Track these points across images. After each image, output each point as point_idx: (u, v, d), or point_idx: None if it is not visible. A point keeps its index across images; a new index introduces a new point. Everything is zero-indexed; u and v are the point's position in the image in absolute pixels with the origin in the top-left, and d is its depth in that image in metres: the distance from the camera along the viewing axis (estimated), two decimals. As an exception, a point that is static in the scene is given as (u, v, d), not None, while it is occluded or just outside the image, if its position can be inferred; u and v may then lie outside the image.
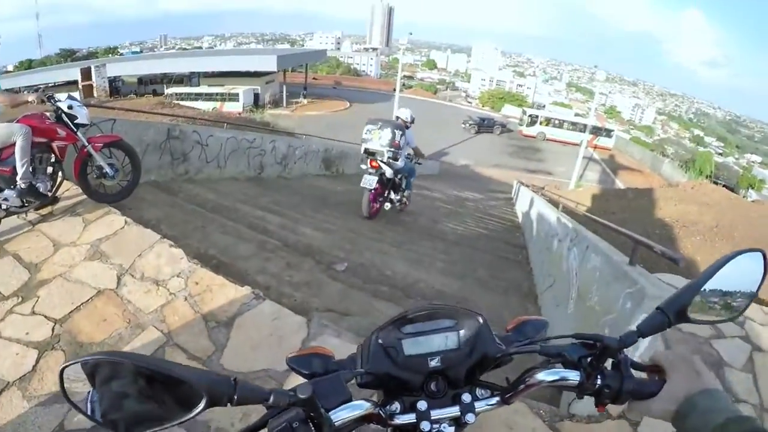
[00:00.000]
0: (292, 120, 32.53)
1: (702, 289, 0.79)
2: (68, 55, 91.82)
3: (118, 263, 3.72)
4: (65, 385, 0.65)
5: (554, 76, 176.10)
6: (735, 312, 0.84)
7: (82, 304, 3.32)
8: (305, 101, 43.34)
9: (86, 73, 24.46)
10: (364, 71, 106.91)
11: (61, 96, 4.28)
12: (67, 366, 0.63)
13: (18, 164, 3.79)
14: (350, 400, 0.78)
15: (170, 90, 37.14)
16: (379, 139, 7.28)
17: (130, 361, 0.62)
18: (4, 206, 3.88)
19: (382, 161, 7.30)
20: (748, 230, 12.98)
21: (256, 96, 39.25)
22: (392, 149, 7.24)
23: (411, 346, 0.86)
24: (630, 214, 13.77)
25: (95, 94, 22.24)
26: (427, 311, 0.88)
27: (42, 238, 3.99)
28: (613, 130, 48.78)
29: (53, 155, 4.16)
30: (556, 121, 45.49)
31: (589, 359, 0.82)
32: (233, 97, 37.05)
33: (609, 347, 0.79)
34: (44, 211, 4.31)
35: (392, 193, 7.99)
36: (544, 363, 0.87)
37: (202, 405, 0.62)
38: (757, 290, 0.83)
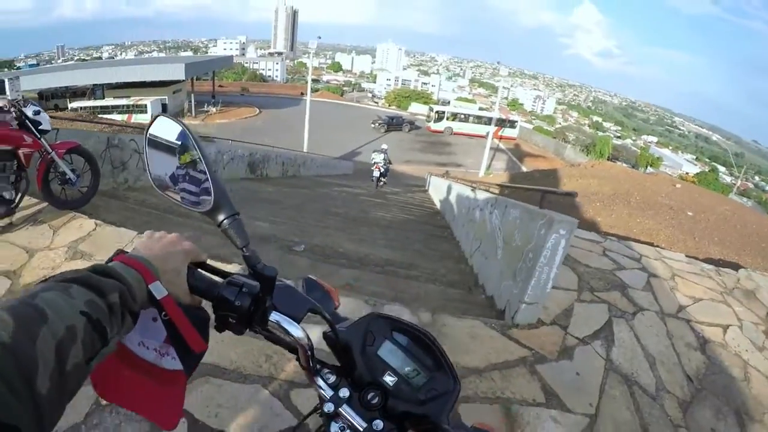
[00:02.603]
0: (205, 129, 32.04)
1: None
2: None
3: (104, 259, 3.87)
4: None
5: (457, 73, 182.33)
6: None
7: (81, 296, 3.47)
8: (214, 110, 42.56)
9: (-1, 88, 22.55)
10: (270, 76, 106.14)
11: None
12: None
13: None
14: (298, 322, 0.81)
15: (74, 104, 35.25)
16: (380, 157, 17.43)
17: None
18: None
19: (381, 166, 17.39)
20: (642, 196, 14.93)
21: (164, 106, 37.69)
22: (384, 161, 17.52)
23: (387, 351, 0.84)
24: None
25: (12, 109, 20.72)
26: (427, 339, 0.86)
27: (10, 247, 3.90)
28: (516, 121, 51.32)
29: (17, 162, 4.07)
30: (462, 116, 47.26)
31: None
32: (141, 109, 35.55)
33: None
34: (2, 222, 4.16)
35: (383, 178, 17.82)
36: None
37: (208, 208, 0.84)
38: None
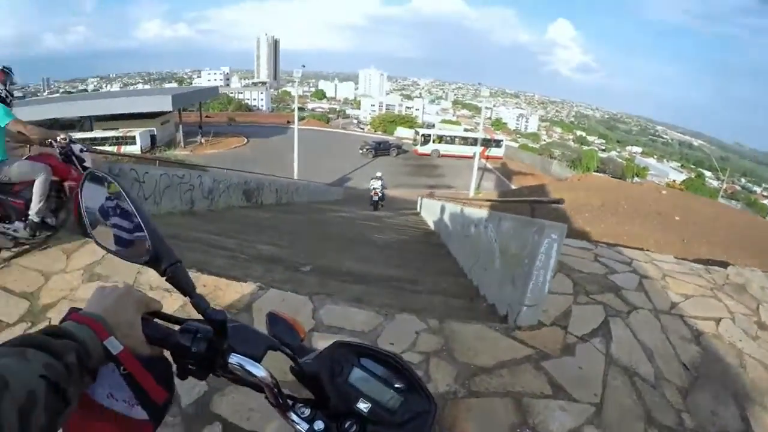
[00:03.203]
0: (195, 159, 32.14)
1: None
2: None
3: (120, 281, 3.82)
4: None
5: (440, 95, 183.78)
6: None
7: (100, 318, 3.56)
8: (203, 140, 42.34)
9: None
10: (255, 106, 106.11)
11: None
12: None
13: (35, 199, 4.03)
14: (258, 361, 0.82)
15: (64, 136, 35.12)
16: (377, 183, 21.36)
17: None
18: (13, 236, 4.06)
19: (378, 191, 21.25)
20: (630, 204, 15.44)
21: (153, 138, 37.82)
22: (381, 186, 21.45)
23: (358, 378, 0.84)
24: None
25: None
26: (394, 362, 0.87)
27: (26, 271, 4.07)
28: (502, 140, 51.55)
29: (62, 193, 4.44)
30: (448, 138, 47.66)
31: None
32: (130, 140, 35.58)
33: None
34: (16, 249, 4.29)
35: (381, 202, 21.37)
36: None
37: (147, 258, 0.83)
38: None
